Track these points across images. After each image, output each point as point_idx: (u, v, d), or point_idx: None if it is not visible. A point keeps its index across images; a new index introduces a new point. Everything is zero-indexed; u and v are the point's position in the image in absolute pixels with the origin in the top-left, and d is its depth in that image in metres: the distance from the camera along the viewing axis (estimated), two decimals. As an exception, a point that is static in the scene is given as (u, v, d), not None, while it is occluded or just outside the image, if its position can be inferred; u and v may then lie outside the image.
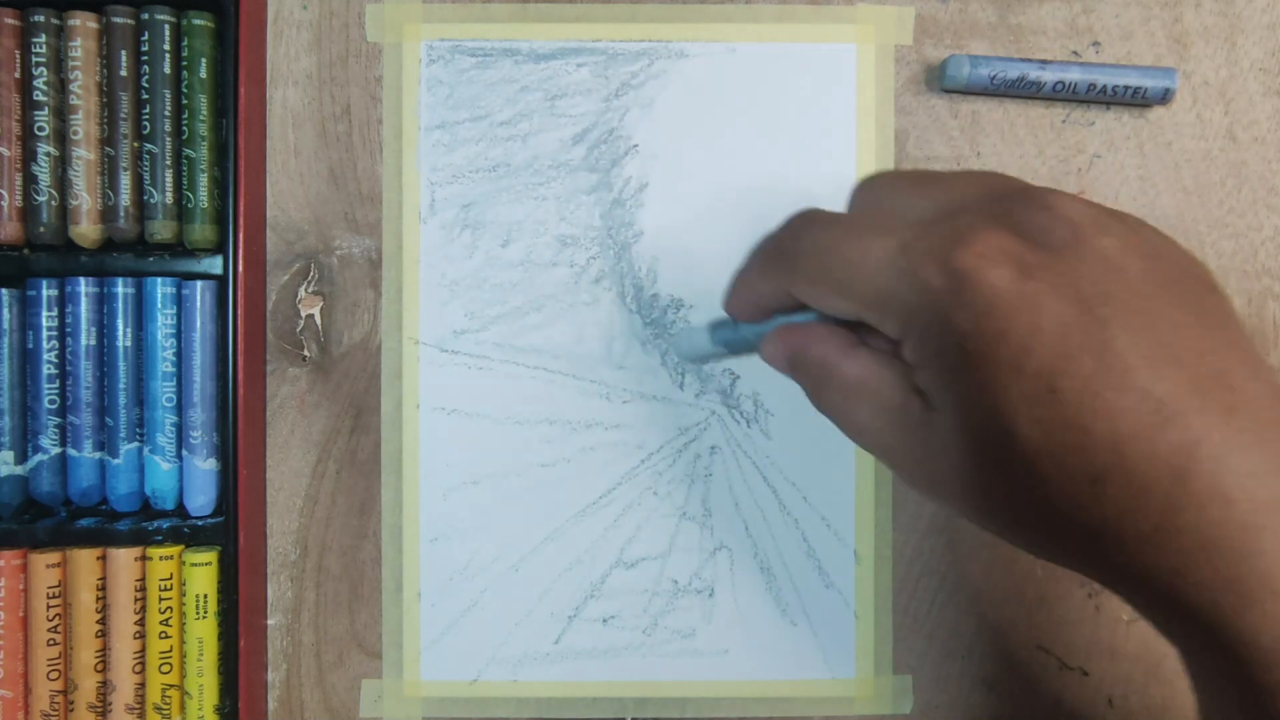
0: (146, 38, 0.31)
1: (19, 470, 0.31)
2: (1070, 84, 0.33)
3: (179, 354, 0.31)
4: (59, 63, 0.31)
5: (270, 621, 0.33)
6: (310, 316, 0.33)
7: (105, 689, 0.31)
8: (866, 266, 0.19)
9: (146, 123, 0.31)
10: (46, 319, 0.31)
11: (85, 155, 0.31)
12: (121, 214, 0.31)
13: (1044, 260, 0.18)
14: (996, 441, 0.18)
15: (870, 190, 0.23)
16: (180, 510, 0.32)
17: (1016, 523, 0.19)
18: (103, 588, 0.31)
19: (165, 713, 0.31)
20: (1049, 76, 0.32)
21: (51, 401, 0.31)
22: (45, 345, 0.31)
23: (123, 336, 0.31)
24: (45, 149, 0.31)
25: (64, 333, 0.31)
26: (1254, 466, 0.17)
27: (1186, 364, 0.17)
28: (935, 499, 0.21)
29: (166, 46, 0.31)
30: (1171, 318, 0.18)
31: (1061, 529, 0.18)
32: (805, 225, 0.22)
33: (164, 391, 0.31)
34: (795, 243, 0.21)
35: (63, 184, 0.31)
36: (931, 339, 0.19)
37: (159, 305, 0.31)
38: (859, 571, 0.34)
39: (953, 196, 0.20)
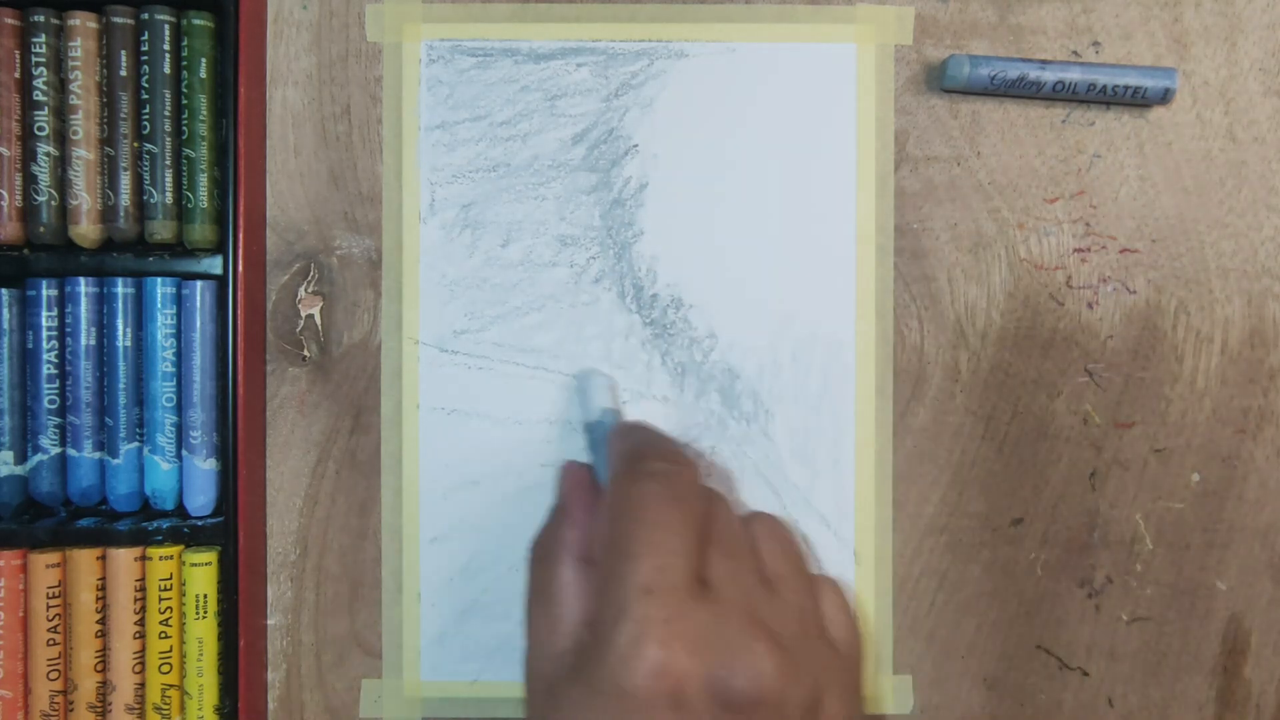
0: (146, 38, 0.31)
1: (19, 470, 0.31)
2: (1070, 84, 0.33)
3: (179, 354, 0.31)
4: (59, 63, 0.31)
5: (270, 621, 0.33)
6: (310, 316, 0.33)
7: (105, 689, 0.31)
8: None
9: (146, 123, 0.31)
10: (46, 319, 0.31)
11: (85, 155, 0.31)
12: (121, 214, 0.31)
13: None
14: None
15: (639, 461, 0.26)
16: (180, 510, 0.32)
17: None
18: (102, 588, 0.31)
19: (165, 713, 0.31)
20: (1049, 76, 0.32)
21: (51, 401, 0.31)
22: (45, 345, 0.31)
23: (122, 336, 0.31)
24: (45, 149, 0.31)
25: (64, 333, 0.31)
26: None
27: None
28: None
29: (166, 46, 0.31)
30: None
31: None
32: (634, 480, 0.25)
33: (164, 391, 0.31)
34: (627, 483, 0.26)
35: (63, 184, 0.31)
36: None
37: (159, 305, 0.31)
38: (859, 571, 0.34)
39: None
